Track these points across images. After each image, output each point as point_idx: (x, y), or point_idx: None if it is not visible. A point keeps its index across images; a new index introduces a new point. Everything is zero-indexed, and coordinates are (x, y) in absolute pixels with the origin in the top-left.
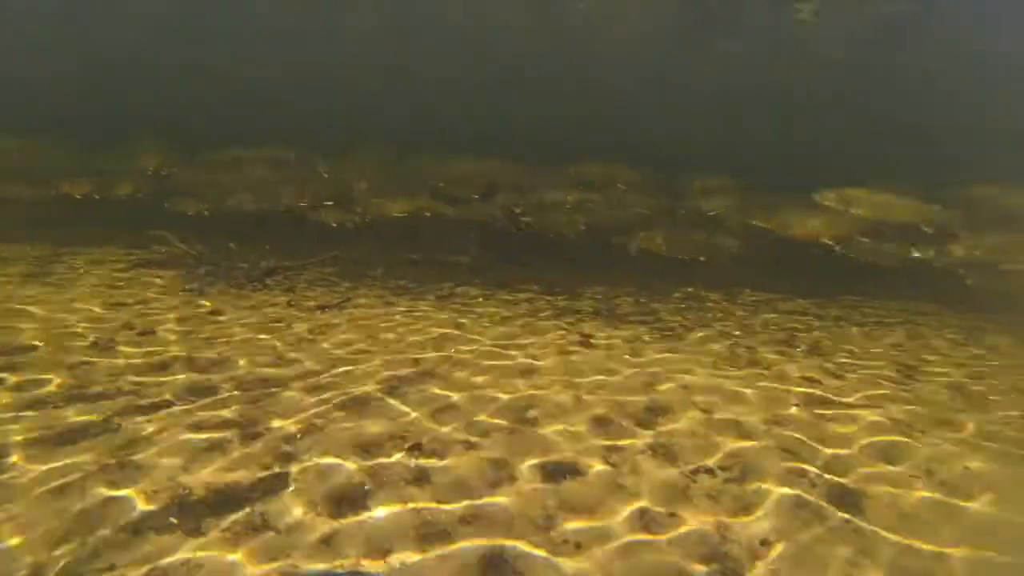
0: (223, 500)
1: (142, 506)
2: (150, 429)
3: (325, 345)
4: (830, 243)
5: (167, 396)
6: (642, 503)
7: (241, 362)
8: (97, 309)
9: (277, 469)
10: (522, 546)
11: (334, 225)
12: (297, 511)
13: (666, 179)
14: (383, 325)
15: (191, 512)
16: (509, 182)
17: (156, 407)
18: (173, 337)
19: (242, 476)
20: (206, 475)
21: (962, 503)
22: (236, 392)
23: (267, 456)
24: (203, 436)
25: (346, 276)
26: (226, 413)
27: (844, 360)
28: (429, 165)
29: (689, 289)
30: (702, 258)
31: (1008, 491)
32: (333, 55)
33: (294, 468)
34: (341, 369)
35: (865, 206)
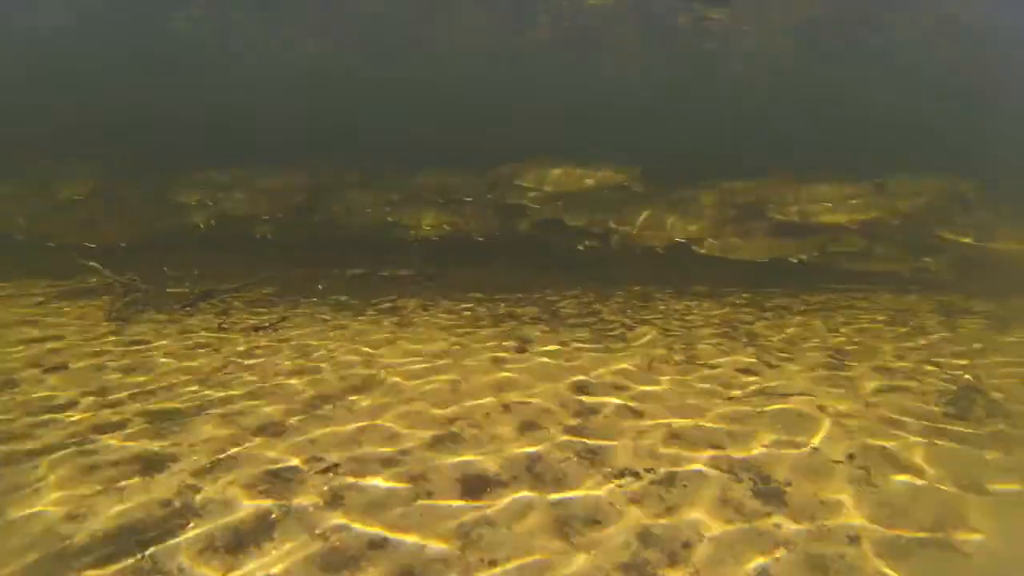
0: (111, 547)
1: (8, 567)
2: (37, 475)
3: (252, 370)
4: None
5: (65, 436)
6: (562, 513)
7: (156, 392)
8: (2, 348)
9: (178, 505)
10: (436, 567)
11: (270, 239)
12: (197, 548)
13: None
14: (315, 344)
15: (70, 564)
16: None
17: (50, 449)
18: (86, 371)
19: (136, 519)
20: (94, 521)
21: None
22: (145, 425)
23: (168, 492)
24: (98, 476)
25: (285, 294)
26: (129, 449)
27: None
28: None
29: (636, 287)
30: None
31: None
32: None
33: (197, 502)
34: (265, 390)
35: (553, 183)
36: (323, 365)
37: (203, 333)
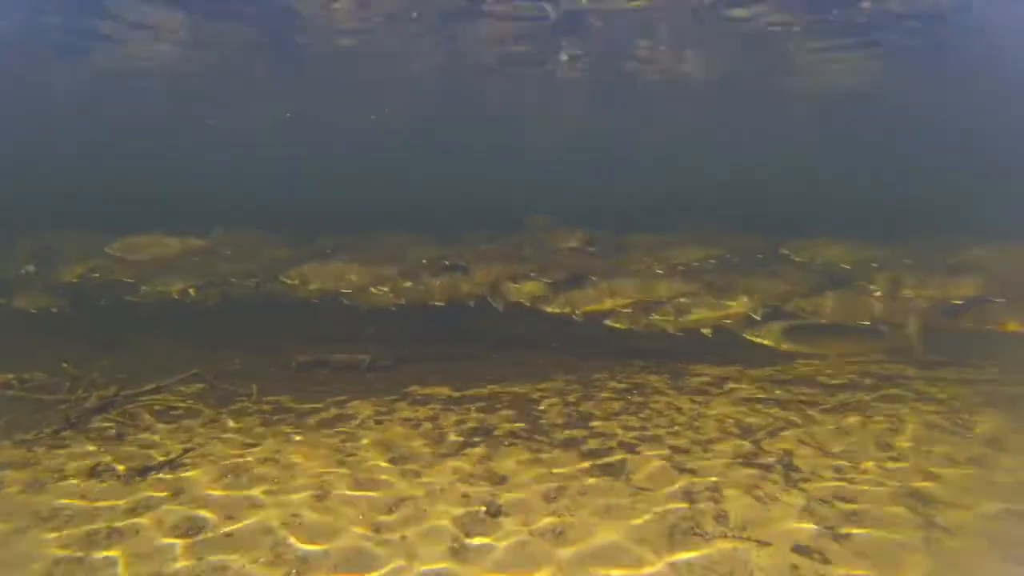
0: None
1: None
2: None
3: (114, 567)
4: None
5: None
6: None
7: None
8: None
9: None
10: None
11: (204, 314)
12: None
13: None
14: (224, 495)
15: None
16: None
17: None
18: None
19: None
20: None
21: None
22: None
23: None
24: None
25: (212, 396)
26: None
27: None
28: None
29: (630, 372)
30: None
31: None
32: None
33: None
34: None
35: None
36: (223, 542)
37: (65, 482)
